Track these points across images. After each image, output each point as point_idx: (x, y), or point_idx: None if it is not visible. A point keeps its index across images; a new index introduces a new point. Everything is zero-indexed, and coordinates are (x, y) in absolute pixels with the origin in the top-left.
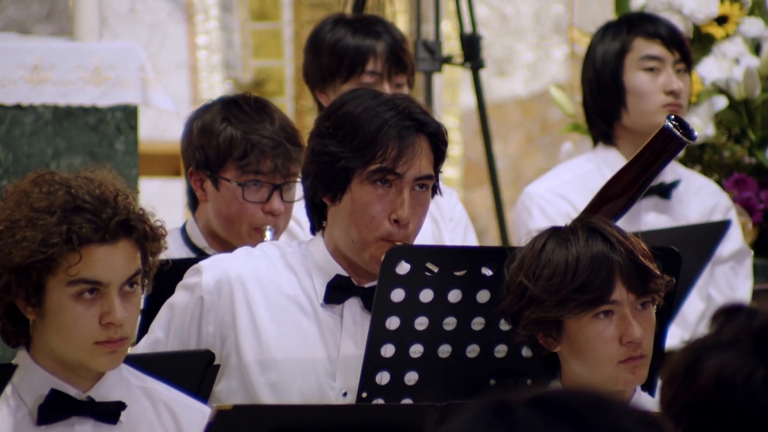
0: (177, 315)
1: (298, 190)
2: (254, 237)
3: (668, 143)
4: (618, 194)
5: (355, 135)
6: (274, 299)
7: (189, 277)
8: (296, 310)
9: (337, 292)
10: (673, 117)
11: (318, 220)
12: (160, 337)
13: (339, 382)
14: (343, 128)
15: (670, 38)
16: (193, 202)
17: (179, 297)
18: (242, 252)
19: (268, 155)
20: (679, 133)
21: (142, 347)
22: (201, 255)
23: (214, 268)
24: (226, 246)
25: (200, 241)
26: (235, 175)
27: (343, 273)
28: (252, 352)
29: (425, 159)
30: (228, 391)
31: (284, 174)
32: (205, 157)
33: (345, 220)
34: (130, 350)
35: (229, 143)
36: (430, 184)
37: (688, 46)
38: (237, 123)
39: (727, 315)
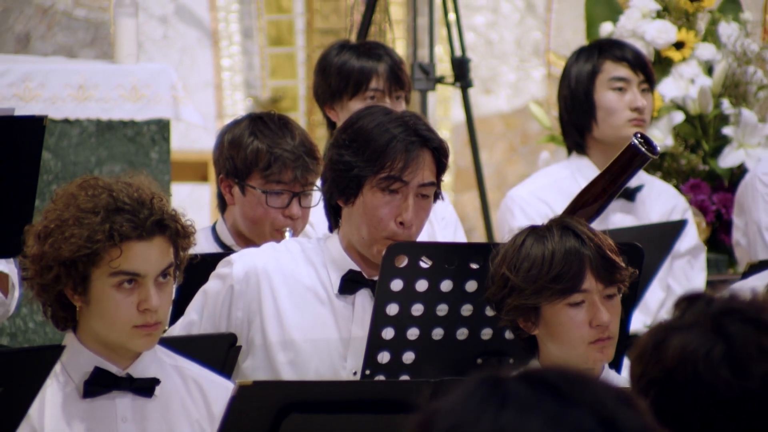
0: (210, 300)
1: (315, 197)
2: (276, 237)
3: (634, 158)
4: (591, 201)
5: (367, 147)
6: (294, 289)
7: (221, 268)
8: (314, 298)
9: (349, 284)
10: (639, 135)
11: (334, 219)
12: (194, 320)
13: (350, 362)
14: (357, 141)
15: (636, 61)
16: (223, 205)
17: (212, 285)
18: (268, 247)
19: (289, 166)
20: (644, 149)
21: (179, 328)
22: (228, 251)
23: (243, 260)
24: (251, 244)
25: (228, 239)
26: (260, 183)
27: (356, 267)
28: (275, 335)
29: (428, 170)
30: (253, 368)
31: (303, 183)
32: (233, 167)
33: (357, 220)
34: (166, 331)
35: (255, 155)
36: (432, 192)
37: (652, 69)
38: (263, 137)
39: (688, 301)
